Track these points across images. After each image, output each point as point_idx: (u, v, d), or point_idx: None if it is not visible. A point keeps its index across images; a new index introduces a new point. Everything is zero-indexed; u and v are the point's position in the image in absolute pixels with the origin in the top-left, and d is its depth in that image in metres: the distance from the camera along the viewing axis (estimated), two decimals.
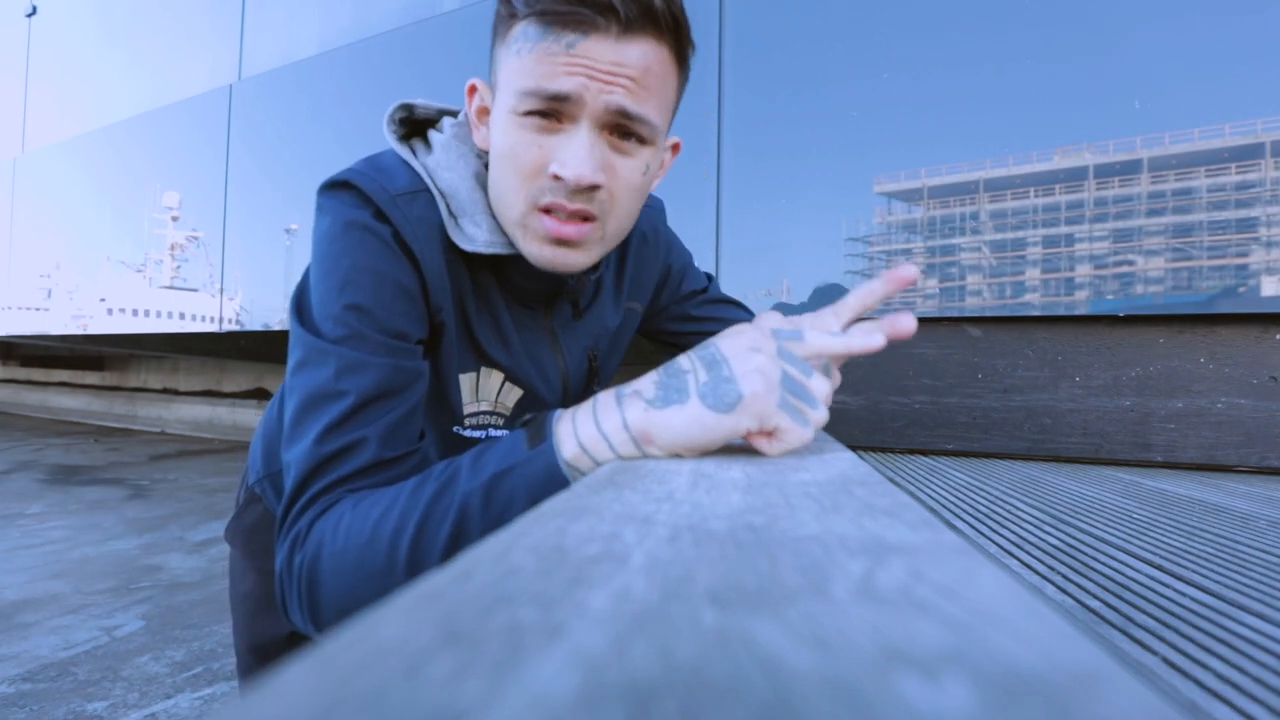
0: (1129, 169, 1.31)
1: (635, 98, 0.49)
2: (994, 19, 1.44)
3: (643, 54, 0.48)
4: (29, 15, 4.99)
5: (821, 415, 0.43)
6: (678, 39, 0.51)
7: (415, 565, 0.43)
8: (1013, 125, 1.42)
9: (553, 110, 0.49)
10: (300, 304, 0.52)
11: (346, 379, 0.47)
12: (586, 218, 0.52)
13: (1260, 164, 1.21)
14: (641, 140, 0.52)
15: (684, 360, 0.44)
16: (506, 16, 0.50)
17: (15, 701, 1.61)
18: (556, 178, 0.50)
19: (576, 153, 0.49)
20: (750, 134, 1.71)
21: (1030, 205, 1.40)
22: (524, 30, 0.49)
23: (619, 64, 0.48)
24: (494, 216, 0.56)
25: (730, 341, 0.43)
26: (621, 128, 0.50)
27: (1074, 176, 1.36)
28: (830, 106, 1.60)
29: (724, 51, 1.74)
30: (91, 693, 1.67)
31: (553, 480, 0.42)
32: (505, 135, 0.51)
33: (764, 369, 0.41)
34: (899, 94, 1.52)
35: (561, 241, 0.52)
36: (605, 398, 0.44)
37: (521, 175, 0.51)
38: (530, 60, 0.48)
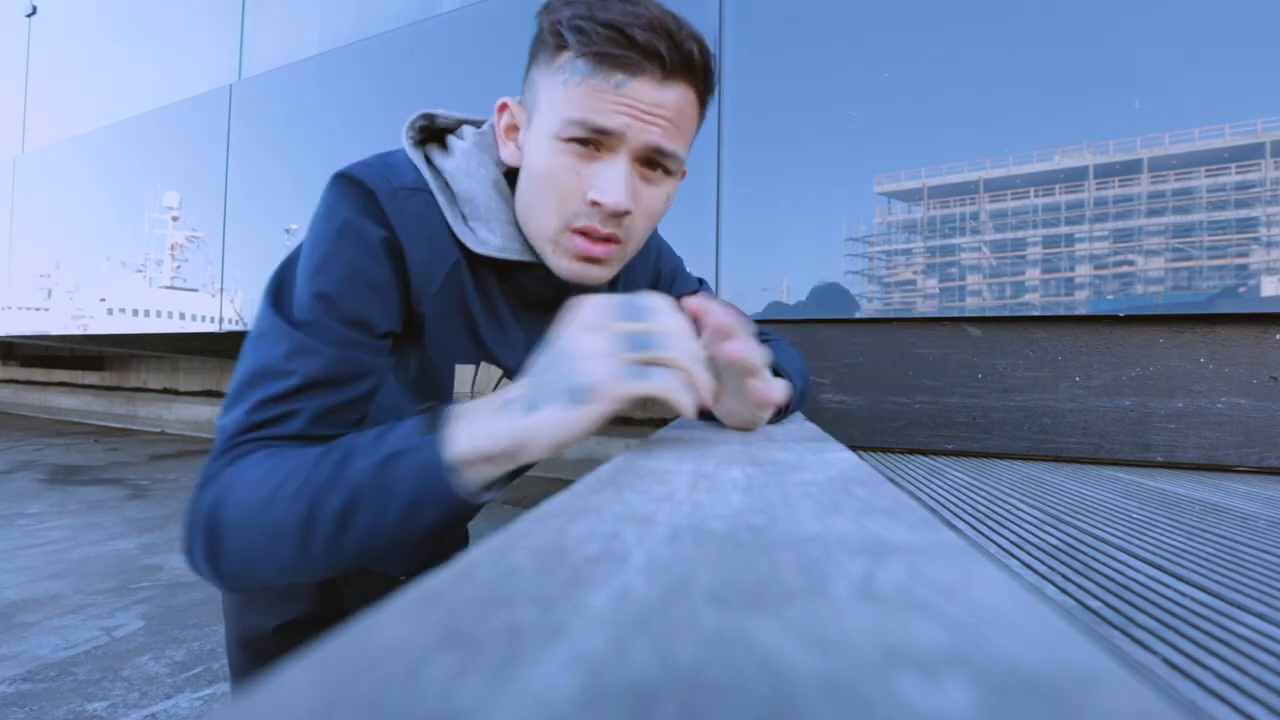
0: (1129, 169, 1.31)
1: (669, 136, 0.54)
2: (995, 19, 1.44)
3: (678, 98, 0.53)
4: (29, 15, 4.99)
5: (674, 353, 0.42)
6: (705, 87, 0.56)
7: (306, 532, 0.43)
8: (1013, 125, 1.41)
9: (594, 140, 0.53)
10: (278, 282, 0.54)
11: (296, 360, 0.49)
12: (613, 239, 0.56)
13: (1260, 164, 1.21)
14: (667, 172, 0.57)
15: (542, 359, 0.44)
16: (554, 47, 0.53)
17: (15, 701, 1.61)
18: (595, 204, 0.54)
19: (614, 181, 0.53)
20: (750, 133, 1.71)
21: (1030, 205, 1.40)
22: (574, 64, 0.52)
23: (659, 105, 0.53)
24: (510, 224, 0.60)
25: (568, 329, 0.43)
26: (653, 161, 0.55)
27: (1074, 176, 1.36)
28: (830, 106, 1.60)
29: (724, 50, 1.74)
30: (91, 693, 1.67)
31: (433, 472, 0.42)
32: (545, 158, 0.55)
33: (597, 350, 0.41)
34: (900, 93, 1.52)
35: (590, 259, 0.57)
36: (492, 406, 0.44)
37: (559, 198, 0.55)
38: (580, 93, 0.52)
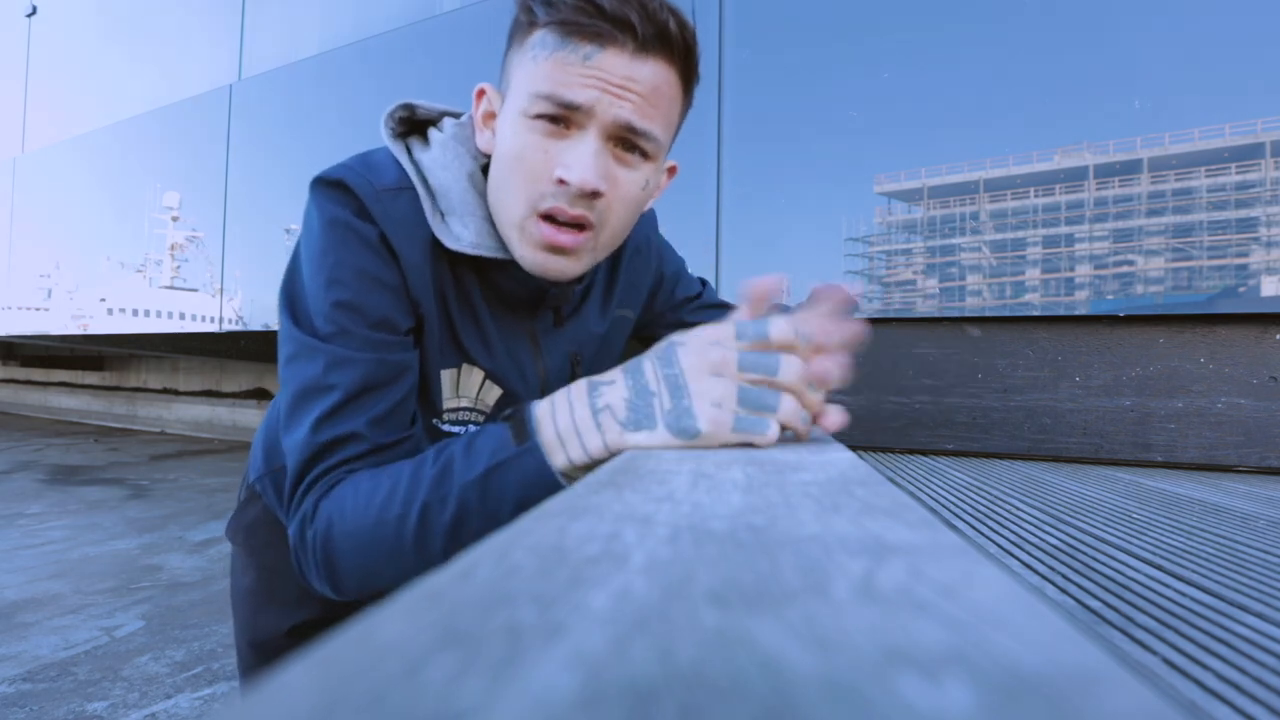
0: (1129, 169, 1.31)
1: (643, 114, 0.51)
2: (995, 19, 1.44)
3: (654, 73, 0.51)
4: (29, 15, 4.99)
5: (787, 410, 0.44)
6: (687, 65, 0.53)
7: (422, 546, 0.46)
8: (1013, 125, 1.42)
9: (563, 117, 0.51)
10: (290, 299, 0.54)
11: (334, 374, 0.50)
12: (583, 225, 0.53)
13: (1260, 164, 1.21)
14: (645, 155, 0.54)
15: (650, 374, 0.45)
16: (526, 25, 0.52)
17: (15, 701, 1.61)
18: (561, 181, 0.51)
19: (582, 158, 0.50)
20: (750, 133, 1.71)
21: (1030, 205, 1.40)
22: (542, 38, 0.50)
23: (631, 79, 0.50)
24: (485, 219, 0.57)
25: (693, 358, 0.44)
26: (627, 141, 0.52)
27: (1074, 176, 1.36)
28: (830, 106, 1.60)
29: (724, 50, 1.74)
30: (91, 693, 1.67)
31: (538, 479, 0.45)
32: (513, 137, 0.53)
33: (720, 399, 0.42)
34: (900, 94, 1.52)
35: (555, 249, 0.54)
36: (584, 417, 0.45)
37: (525, 177, 0.52)
38: (547, 66, 0.50)
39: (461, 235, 0.56)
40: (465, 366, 0.61)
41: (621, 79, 0.49)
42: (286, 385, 0.52)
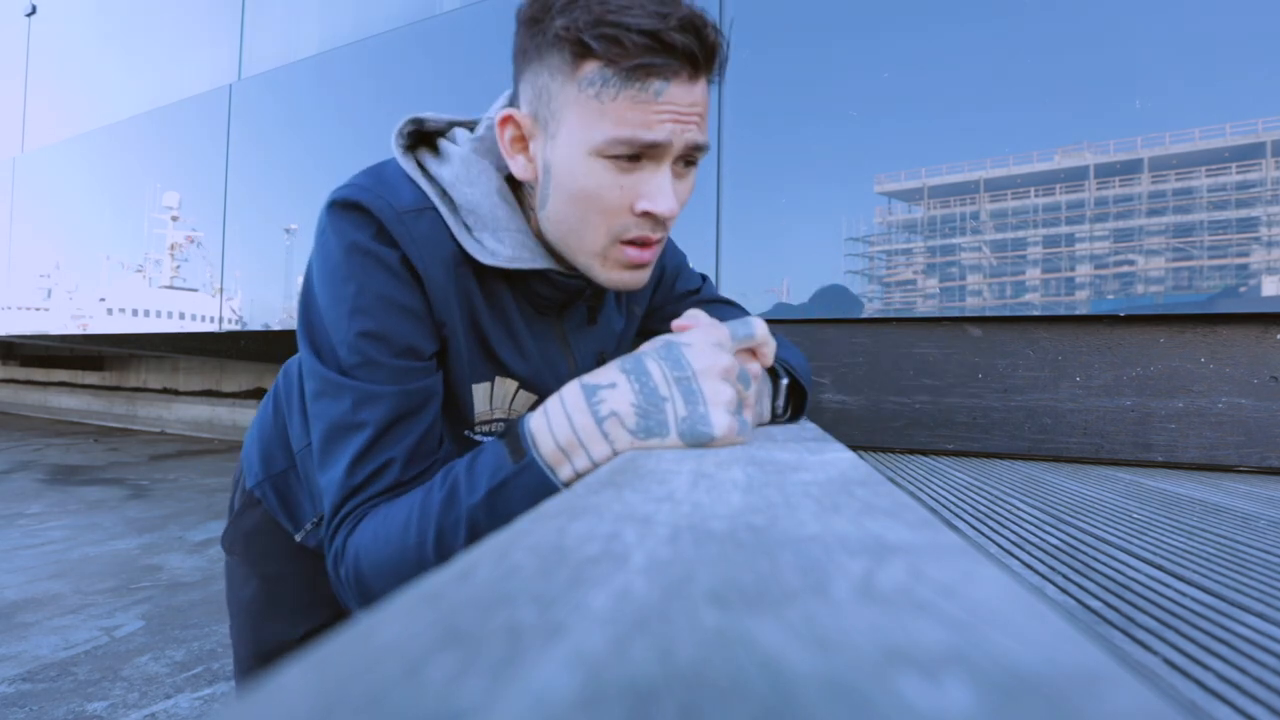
0: (1129, 169, 1.31)
1: (702, 130, 0.53)
2: (995, 18, 1.44)
3: (704, 91, 0.53)
4: (29, 15, 4.99)
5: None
6: (719, 75, 0.55)
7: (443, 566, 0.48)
8: (1013, 125, 1.41)
9: (640, 154, 0.52)
10: (310, 331, 0.54)
11: (363, 410, 0.51)
12: (659, 242, 0.56)
13: (1261, 164, 1.21)
14: (694, 163, 0.56)
15: (658, 376, 0.45)
16: (575, 56, 0.49)
17: (15, 701, 1.61)
18: (647, 214, 0.53)
19: (663, 188, 0.52)
20: (750, 133, 1.71)
21: (1031, 205, 1.40)
22: (604, 74, 0.48)
23: (693, 104, 0.51)
24: (520, 231, 0.58)
25: (704, 362, 0.46)
26: (687, 157, 0.54)
27: (1074, 176, 1.36)
28: (830, 106, 1.60)
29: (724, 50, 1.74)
30: (91, 693, 1.67)
31: (543, 489, 0.46)
32: (585, 177, 0.52)
33: (731, 403, 0.45)
34: (900, 93, 1.52)
35: (640, 266, 0.56)
36: (586, 426, 0.45)
37: (605, 214, 0.53)
38: (619, 107, 0.49)
39: (497, 250, 0.56)
40: (498, 379, 0.61)
41: (686, 106, 0.51)
42: (315, 422, 0.53)
